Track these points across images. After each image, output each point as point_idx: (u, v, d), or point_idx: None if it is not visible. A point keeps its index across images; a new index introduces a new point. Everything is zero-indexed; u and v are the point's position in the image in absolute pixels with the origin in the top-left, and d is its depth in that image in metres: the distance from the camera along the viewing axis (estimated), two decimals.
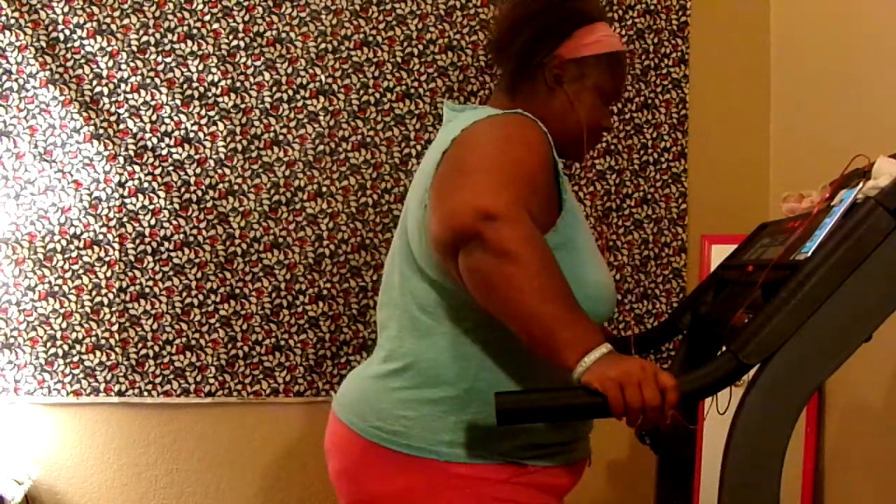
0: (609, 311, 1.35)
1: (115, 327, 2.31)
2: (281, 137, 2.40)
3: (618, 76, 1.44)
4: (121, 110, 2.32)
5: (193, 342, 2.35)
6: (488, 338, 1.26)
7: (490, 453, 1.26)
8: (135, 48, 2.33)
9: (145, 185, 2.33)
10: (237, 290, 2.37)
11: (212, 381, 2.35)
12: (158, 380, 2.33)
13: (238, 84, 2.38)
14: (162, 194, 2.34)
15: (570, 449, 1.33)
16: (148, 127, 2.33)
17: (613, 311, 1.35)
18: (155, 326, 2.33)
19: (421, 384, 1.28)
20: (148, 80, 2.33)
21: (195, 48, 2.36)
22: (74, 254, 2.30)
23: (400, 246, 1.38)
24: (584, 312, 1.14)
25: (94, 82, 2.31)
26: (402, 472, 1.27)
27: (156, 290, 2.33)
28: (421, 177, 1.35)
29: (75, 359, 2.30)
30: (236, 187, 2.37)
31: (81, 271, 2.31)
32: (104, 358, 2.31)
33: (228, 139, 2.37)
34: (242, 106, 2.38)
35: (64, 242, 2.30)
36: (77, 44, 2.30)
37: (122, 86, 2.32)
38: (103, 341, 2.31)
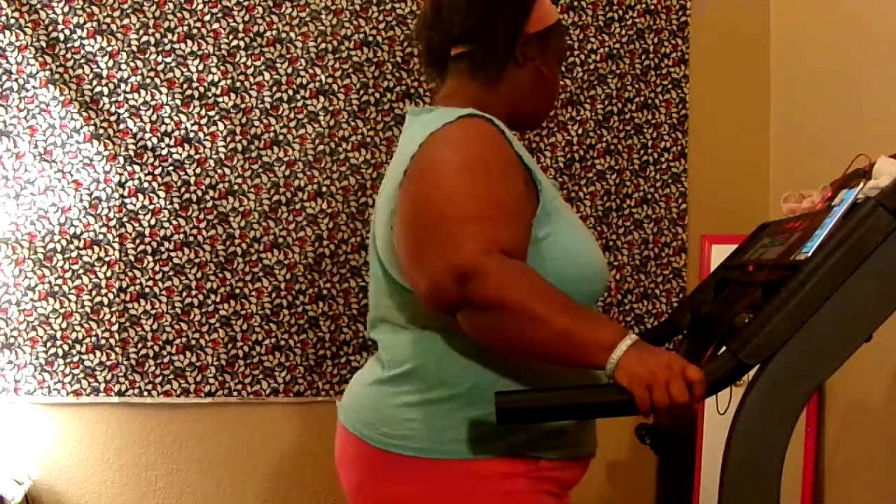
0: (603, 286, 1.36)
1: (115, 327, 2.31)
2: (281, 137, 2.40)
3: (565, 41, 1.52)
4: (121, 110, 2.32)
5: (193, 342, 2.35)
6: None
7: (500, 448, 1.25)
8: (135, 48, 2.33)
9: (145, 185, 2.33)
10: (237, 290, 2.37)
11: (212, 381, 2.35)
12: (158, 380, 2.33)
13: (238, 84, 2.38)
14: (162, 194, 2.34)
15: (578, 441, 1.33)
16: (148, 127, 2.33)
17: (607, 286, 1.38)
18: (155, 326, 2.33)
19: (423, 388, 1.28)
20: (148, 80, 2.33)
21: (195, 48, 2.36)
22: (74, 254, 2.30)
23: (374, 263, 1.39)
24: (592, 312, 1.14)
25: (94, 82, 2.31)
26: (415, 477, 1.26)
27: (156, 290, 2.33)
28: (385, 193, 1.35)
29: (75, 359, 2.30)
30: (236, 187, 2.37)
31: (81, 271, 2.31)
32: (104, 358, 2.31)
33: (228, 139, 2.37)
34: (242, 106, 2.38)
35: (64, 242, 2.30)
36: (77, 44, 2.30)
37: (122, 86, 2.32)
38: (103, 341, 2.31)
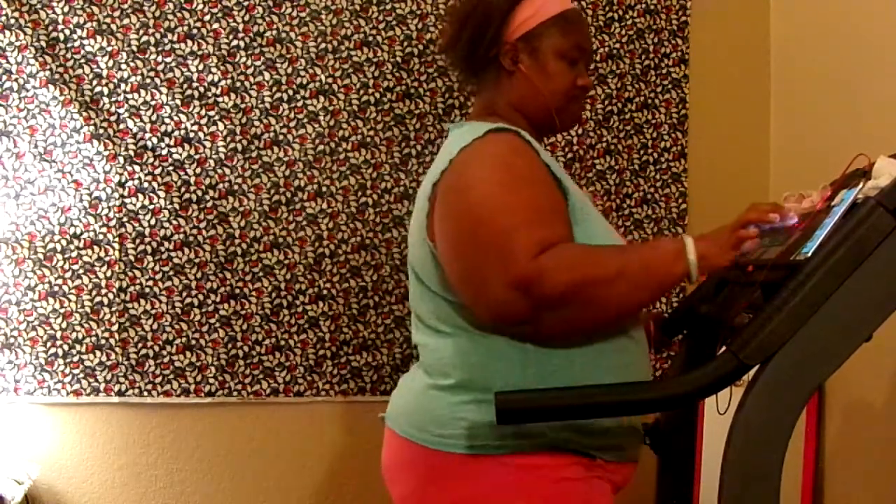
0: None
1: (115, 327, 2.31)
2: (281, 137, 2.40)
3: (572, 33, 1.42)
4: (121, 110, 2.32)
5: (193, 342, 2.35)
6: (525, 336, 1.27)
7: (556, 443, 1.26)
8: (135, 48, 2.33)
9: (145, 185, 2.33)
10: (237, 290, 2.37)
11: (212, 381, 2.35)
12: (158, 380, 2.33)
13: (238, 84, 2.38)
14: (162, 194, 2.34)
15: (625, 445, 1.34)
16: (148, 127, 2.33)
17: None
18: (155, 326, 2.33)
19: (473, 390, 1.28)
20: (148, 80, 2.33)
21: (195, 48, 2.36)
22: (74, 254, 2.30)
23: (410, 273, 1.42)
24: (638, 244, 1.22)
25: (94, 82, 2.31)
26: (474, 476, 1.27)
27: (156, 290, 2.33)
28: (418, 208, 1.38)
29: (75, 359, 2.29)
30: (236, 187, 2.37)
31: (81, 271, 2.30)
32: (104, 358, 2.31)
33: (228, 139, 2.37)
34: (242, 106, 2.38)
35: (64, 242, 2.30)
36: (77, 44, 2.30)
37: (122, 86, 2.32)
38: (103, 341, 2.31)
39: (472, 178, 1.27)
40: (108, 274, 2.31)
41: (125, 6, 2.32)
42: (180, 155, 2.35)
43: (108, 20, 2.31)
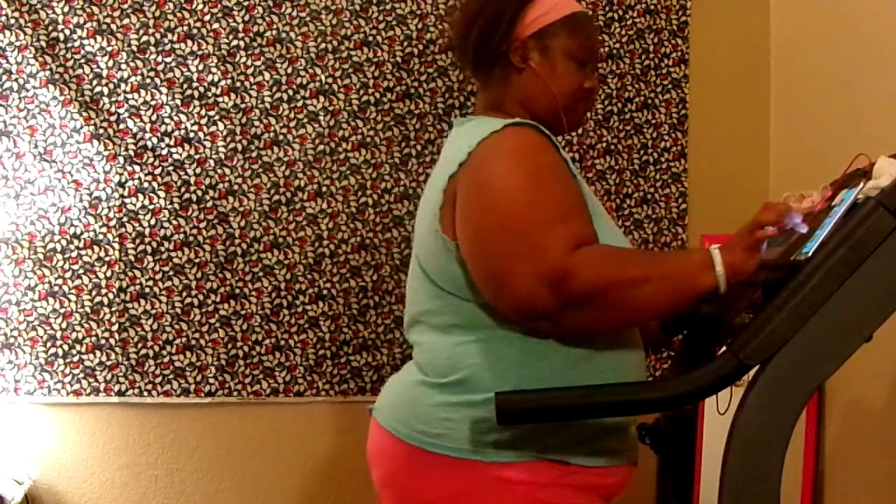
0: None
1: (115, 327, 2.31)
2: (281, 137, 2.40)
3: (581, 36, 1.43)
4: (121, 110, 2.32)
5: (193, 342, 2.35)
6: (524, 338, 1.27)
7: (536, 451, 1.25)
8: (135, 48, 2.33)
9: (145, 185, 2.33)
10: (237, 290, 2.37)
11: (212, 381, 2.35)
12: (158, 380, 2.33)
13: (238, 84, 2.38)
14: (162, 194, 2.34)
15: (616, 449, 1.33)
16: (148, 127, 2.33)
17: None
18: (155, 326, 2.33)
19: (464, 390, 1.28)
20: (148, 80, 2.33)
21: (195, 48, 2.36)
22: (74, 254, 2.30)
23: (414, 268, 1.41)
24: (666, 252, 1.22)
25: (94, 82, 2.31)
26: (448, 477, 1.27)
27: (156, 290, 2.33)
28: (428, 200, 1.37)
29: (75, 359, 2.29)
30: (236, 187, 2.37)
31: (81, 271, 2.30)
32: (104, 358, 2.30)
33: (228, 139, 2.37)
34: (242, 106, 2.38)
35: (64, 242, 2.30)
36: (77, 44, 2.30)
37: (122, 86, 2.32)
38: (103, 341, 2.31)
39: (495, 171, 1.26)
40: (108, 274, 2.31)
41: (125, 6, 2.32)
42: (180, 155, 2.35)
43: (108, 20, 2.31)
